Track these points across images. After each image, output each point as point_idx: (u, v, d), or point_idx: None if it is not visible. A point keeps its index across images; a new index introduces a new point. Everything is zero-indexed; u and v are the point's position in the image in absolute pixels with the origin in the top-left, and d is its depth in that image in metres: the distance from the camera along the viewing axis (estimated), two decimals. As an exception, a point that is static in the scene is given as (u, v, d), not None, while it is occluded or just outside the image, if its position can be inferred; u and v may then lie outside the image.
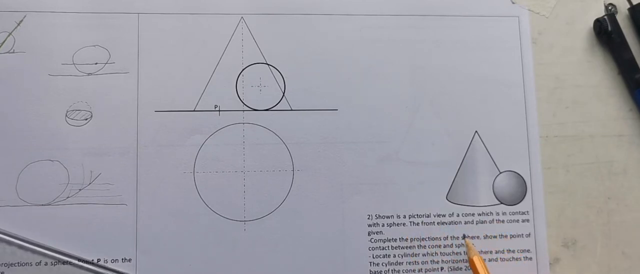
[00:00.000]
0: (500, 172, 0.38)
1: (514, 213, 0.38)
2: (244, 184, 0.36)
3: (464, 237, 0.37)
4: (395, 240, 0.37)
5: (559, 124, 0.39)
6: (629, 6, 0.40)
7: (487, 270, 0.35)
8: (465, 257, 0.37)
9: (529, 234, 0.38)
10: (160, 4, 0.37)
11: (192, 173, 0.36)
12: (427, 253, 0.37)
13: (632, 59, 0.39)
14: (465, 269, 0.37)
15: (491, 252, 0.37)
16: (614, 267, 0.38)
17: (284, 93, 0.37)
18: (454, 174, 0.38)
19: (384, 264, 0.36)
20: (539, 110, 0.39)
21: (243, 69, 0.37)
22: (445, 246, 0.37)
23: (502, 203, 0.38)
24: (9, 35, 0.36)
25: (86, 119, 0.36)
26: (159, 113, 0.36)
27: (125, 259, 0.35)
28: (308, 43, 0.38)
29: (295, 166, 0.37)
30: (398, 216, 0.37)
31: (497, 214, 0.38)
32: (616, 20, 0.40)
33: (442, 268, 0.37)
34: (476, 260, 0.35)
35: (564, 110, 0.39)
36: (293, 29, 0.38)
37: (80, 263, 0.34)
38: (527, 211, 0.38)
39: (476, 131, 0.38)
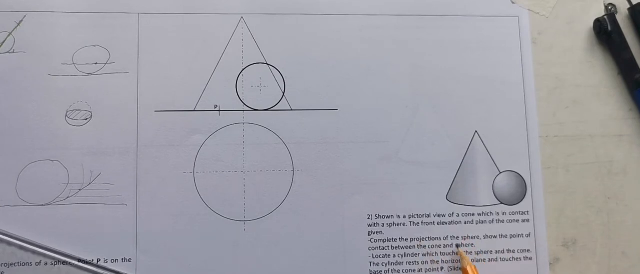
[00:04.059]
0: (500, 172, 0.38)
1: (514, 213, 0.38)
2: (244, 184, 0.36)
3: (457, 247, 0.37)
4: (395, 240, 0.37)
5: (559, 124, 0.39)
6: (629, 6, 0.40)
7: None
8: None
9: (529, 234, 0.38)
10: (160, 4, 0.37)
11: (192, 173, 0.36)
12: (427, 253, 0.37)
13: (632, 59, 0.39)
14: (465, 269, 0.37)
15: (491, 252, 0.37)
16: (614, 267, 0.38)
17: (284, 93, 0.37)
18: (454, 174, 0.38)
19: (384, 264, 0.36)
20: (539, 110, 0.39)
21: (243, 69, 0.37)
22: (445, 246, 0.37)
23: (502, 203, 0.38)
24: (9, 35, 0.36)
25: (86, 119, 0.36)
26: (159, 113, 0.36)
27: (125, 259, 0.35)
28: (308, 43, 0.38)
29: (295, 166, 0.37)
30: (398, 216, 0.37)
31: (497, 214, 0.38)
32: (616, 20, 0.40)
33: (442, 268, 0.37)
34: (469, 270, 0.35)
35: (564, 110, 0.39)
36: (293, 29, 0.38)
37: (80, 264, 0.34)
38: (527, 211, 0.38)
39: (476, 131, 0.38)
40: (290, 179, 0.37)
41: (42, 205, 0.35)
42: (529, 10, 0.40)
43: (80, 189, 0.35)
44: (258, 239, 0.36)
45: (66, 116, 0.36)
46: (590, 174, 0.39)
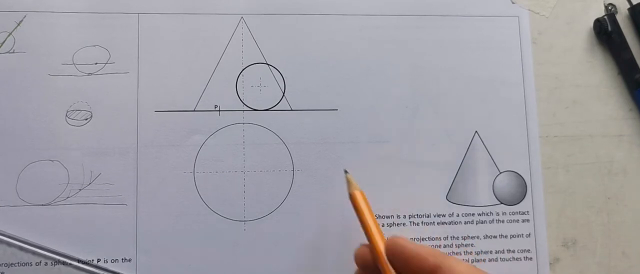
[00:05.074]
0: (500, 172, 0.38)
1: (514, 213, 0.38)
2: (244, 184, 0.36)
3: (346, 172, 0.34)
4: (395, 240, 0.37)
5: (559, 124, 0.39)
6: (629, 6, 0.40)
7: (368, 205, 0.32)
8: (466, 257, 0.37)
9: (529, 234, 0.38)
10: (160, 4, 0.37)
11: (192, 173, 0.36)
12: (427, 253, 0.37)
13: (632, 59, 0.39)
14: (465, 269, 0.37)
15: (491, 252, 0.37)
16: (614, 267, 0.38)
17: (284, 93, 0.37)
18: (454, 174, 0.38)
19: (384, 264, 0.36)
20: (539, 110, 0.39)
21: (243, 69, 0.37)
22: (445, 246, 0.37)
23: (502, 203, 0.38)
24: (9, 35, 0.36)
25: (86, 119, 0.36)
26: (159, 113, 0.36)
27: (125, 259, 0.35)
28: (308, 43, 0.38)
29: (295, 166, 0.37)
30: (398, 216, 0.37)
31: (497, 214, 0.38)
32: (616, 20, 0.40)
33: (442, 268, 0.37)
34: (357, 195, 0.32)
35: (564, 110, 0.39)
36: (293, 29, 0.38)
37: (80, 264, 0.34)
38: (527, 211, 0.38)
39: (476, 131, 0.38)
40: (290, 179, 0.37)
41: (42, 205, 0.35)
42: (529, 10, 0.40)
43: (80, 189, 0.35)
44: (258, 239, 0.36)
45: (66, 116, 0.36)
46: (590, 174, 0.39)
